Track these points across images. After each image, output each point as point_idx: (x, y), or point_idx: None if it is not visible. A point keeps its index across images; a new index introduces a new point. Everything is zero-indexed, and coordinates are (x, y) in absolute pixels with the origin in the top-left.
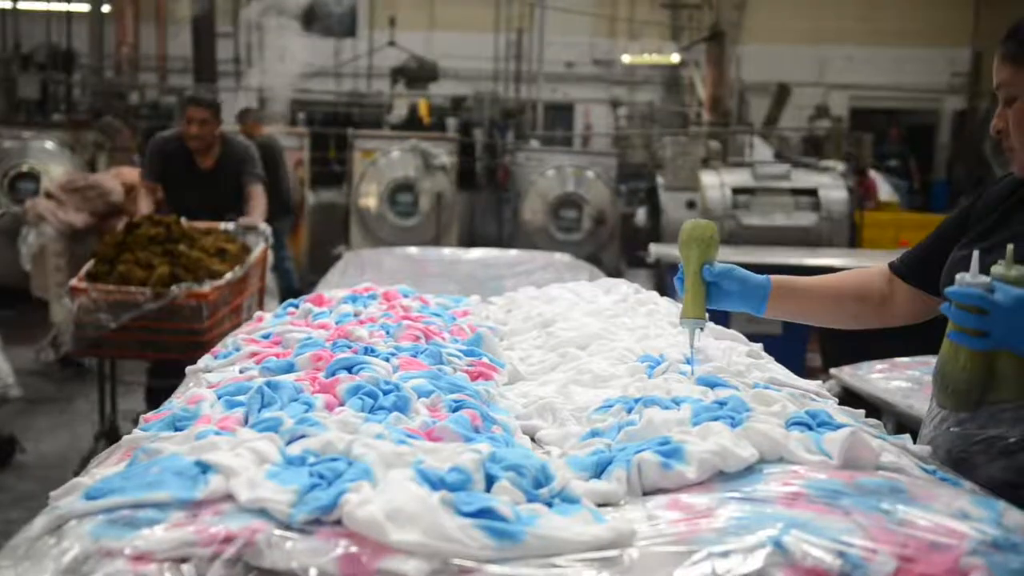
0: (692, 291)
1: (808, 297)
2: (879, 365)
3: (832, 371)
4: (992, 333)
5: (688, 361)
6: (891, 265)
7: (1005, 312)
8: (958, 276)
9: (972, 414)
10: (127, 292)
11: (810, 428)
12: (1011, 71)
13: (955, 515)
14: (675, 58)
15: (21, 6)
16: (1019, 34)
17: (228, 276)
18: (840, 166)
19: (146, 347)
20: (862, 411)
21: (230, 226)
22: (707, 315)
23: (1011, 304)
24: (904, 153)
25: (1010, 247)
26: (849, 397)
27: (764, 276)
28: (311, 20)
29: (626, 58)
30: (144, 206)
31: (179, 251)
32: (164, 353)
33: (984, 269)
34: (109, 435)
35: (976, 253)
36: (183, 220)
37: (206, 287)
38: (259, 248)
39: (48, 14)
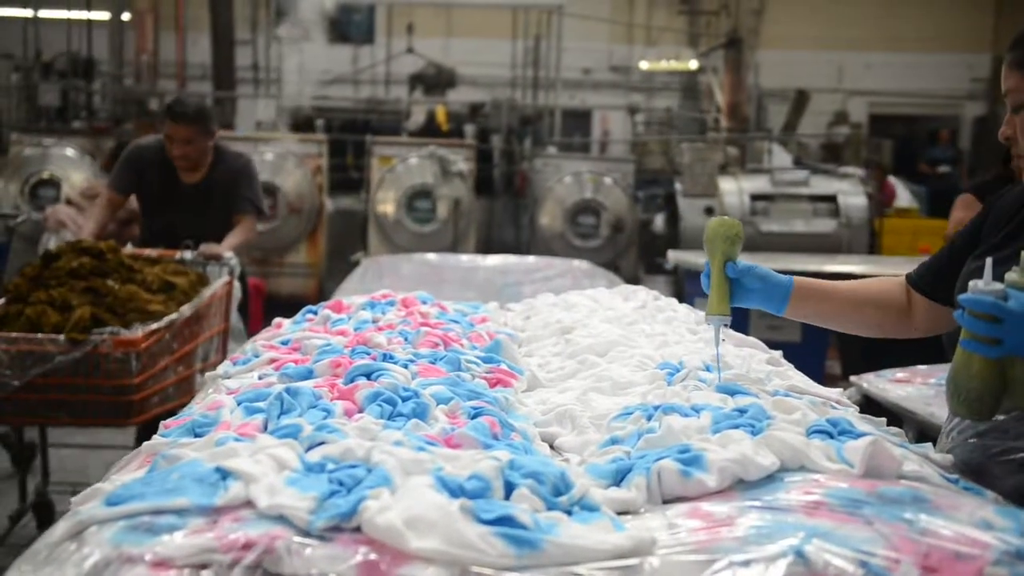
0: (717, 288)
1: (829, 301)
2: (899, 373)
3: (852, 379)
4: (1006, 341)
5: (707, 368)
6: (908, 277)
7: (1019, 319)
8: (971, 283)
9: (991, 425)
10: (35, 341)
11: (831, 436)
12: (1019, 78)
13: (979, 525)
14: (693, 64)
15: (42, 14)
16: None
17: (169, 317)
18: (859, 172)
19: (59, 410)
20: (883, 419)
21: (188, 254)
22: (731, 312)
23: None
24: (956, 157)
25: None
26: (869, 405)
27: (787, 276)
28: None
29: (644, 64)
30: (89, 226)
31: (105, 287)
32: (83, 418)
33: (998, 278)
34: (39, 510)
35: (989, 260)
36: (128, 247)
37: (136, 332)
38: (219, 282)
39: (68, 22)
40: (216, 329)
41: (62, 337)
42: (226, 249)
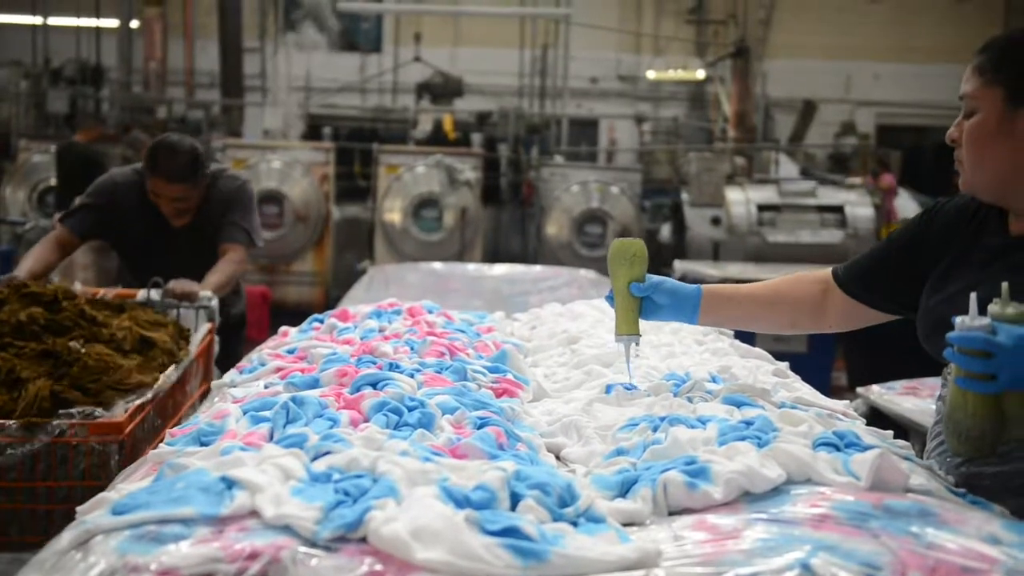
0: (622, 308)
1: (740, 305)
2: (906, 384)
3: (859, 390)
4: (1000, 375)
5: (714, 379)
6: (834, 274)
7: (1010, 352)
8: (958, 320)
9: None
10: None
11: (838, 449)
12: (977, 84)
13: (986, 539)
14: (700, 74)
15: (51, 22)
16: (992, 49)
17: (156, 387)
18: (859, 180)
19: (8, 526)
20: (890, 432)
21: (155, 294)
22: (639, 330)
23: (1015, 344)
24: None
25: (1005, 285)
26: (876, 417)
27: (696, 286)
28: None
29: (651, 74)
30: (26, 265)
31: (67, 351)
32: (41, 535)
33: (961, 303)
34: None
35: (974, 296)
36: (77, 286)
37: (118, 412)
38: (202, 331)
39: (77, 29)
40: (198, 393)
41: (12, 423)
42: (206, 288)
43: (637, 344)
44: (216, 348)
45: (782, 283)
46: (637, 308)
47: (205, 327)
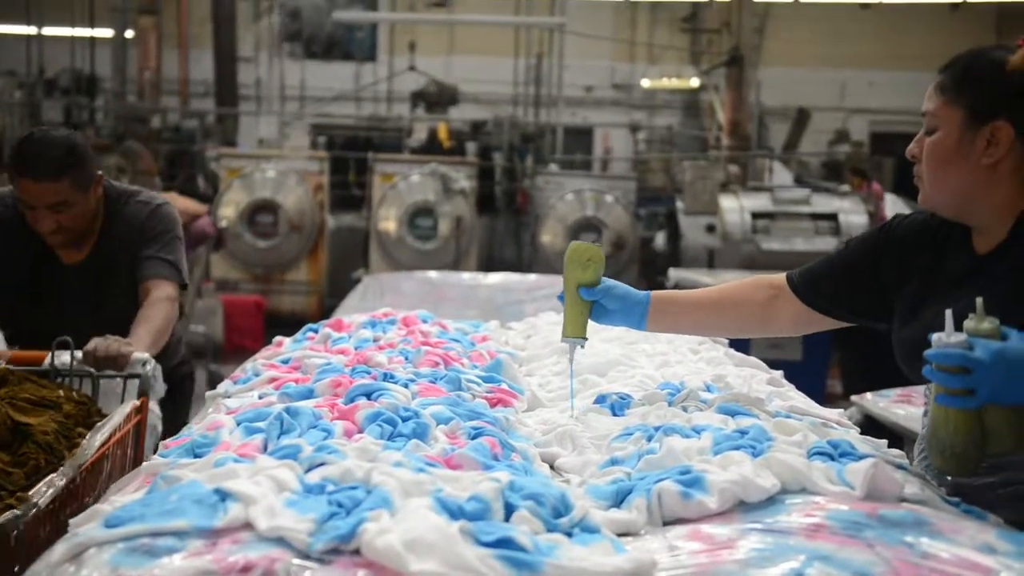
0: (571, 310)
1: (688, 311)
2: (900, 392)
3: (853, 398)
4: (979, 390)
5: (709, 388)
6: (789, 279)
7: (988, 367)
8: (935, 337)
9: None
10: None
11: (832, 458)
12: (939, 103)
13: (981, 549)
14: (694, 82)
15: (45, 31)
16: (954, 68)
17: (52, 490)
18: (844, 188)
19: None
20: (884, 441)
21: (65, 356)
22: (586, 333)
23: (993, 358)
24: None
25: (979, 300)
26: (870, 425)
27: (645, 292)
28: (332, 46)
29: (645, 82)
30: None
31: None
32: None
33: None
34: None
35: (949, 313)
36: None
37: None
38: (123, 409)
39: (72, 39)
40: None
41: None
42: (139, 345)
43: (583, 347)
44: (158, 426)
45: (730, 288)
46: (587, 311)
47: (126, 408)
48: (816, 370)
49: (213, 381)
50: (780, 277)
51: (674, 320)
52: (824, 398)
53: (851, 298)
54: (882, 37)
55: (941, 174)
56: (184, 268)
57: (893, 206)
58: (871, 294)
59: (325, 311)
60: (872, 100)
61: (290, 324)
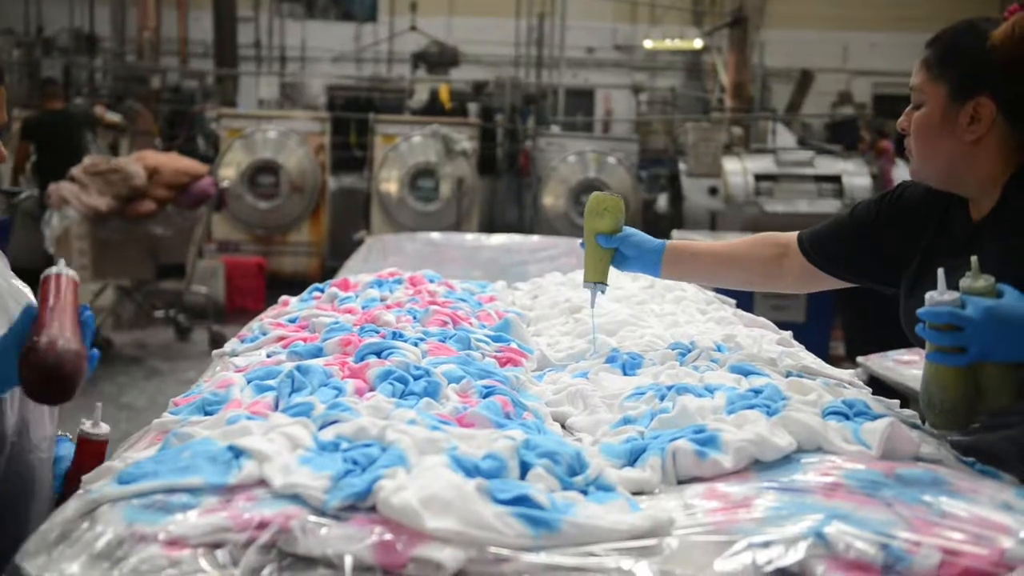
0: (591, 257)
1: (699, 261)
2: (905, 355)
3: (859, 359)
4: (970, 348)
5: (719, 348)
6: (799, 238)
7: (978, 325)
8: (928, 295)
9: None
10: None
11: (847, 418)
12: (925, 77)
13: (999, 507)
14: (697, 43)
15: None
16: (939, 43)
17: None
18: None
19: None
20: (897, 401)
21: None
22: (607, 279)
23: (983, 316)
24: None
25: (975, 258)
26: (875, 386)
27: (660, 241)
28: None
29: (648, 43)
30: None
31: None
32: None
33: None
34: None
35: (941, 271)
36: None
37: None
38: None
39: None
40: None
41: None
42: None
43: (603, 292)
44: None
45: (742, 244)
46: (607, 258)
47: None
48: (819, 331)
49: (215, 341)
50: (788, 235)
51: (688, 268)
52: (828, 360)
53: (856, 262)
54: None
55: (928, 148)
56: None
57: (903, 170)
58: (876, 259)
59: (326, 272)
60: (875, 62)
61: (292, 285)
